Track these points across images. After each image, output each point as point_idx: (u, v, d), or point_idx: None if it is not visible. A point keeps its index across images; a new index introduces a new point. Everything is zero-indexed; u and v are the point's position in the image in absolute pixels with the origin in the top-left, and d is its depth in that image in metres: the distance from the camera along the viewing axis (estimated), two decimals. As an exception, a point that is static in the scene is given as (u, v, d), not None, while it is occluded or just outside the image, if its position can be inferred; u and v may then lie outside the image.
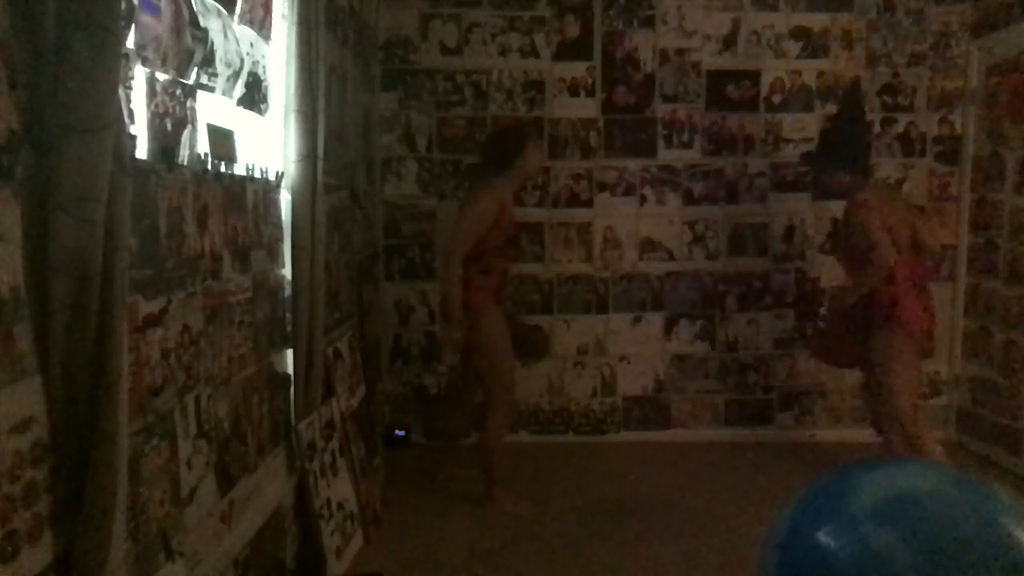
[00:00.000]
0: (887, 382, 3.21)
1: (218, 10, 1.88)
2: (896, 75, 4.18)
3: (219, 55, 1.88)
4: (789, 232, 4.24)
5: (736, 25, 4.14)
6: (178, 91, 1.67)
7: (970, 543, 0.70)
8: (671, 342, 4.29)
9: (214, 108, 1.90)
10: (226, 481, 1.94)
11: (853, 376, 3.74)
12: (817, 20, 4.14)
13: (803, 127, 4.16)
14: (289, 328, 2.46)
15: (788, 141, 4.17)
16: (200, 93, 1.79)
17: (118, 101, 1.21)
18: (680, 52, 4.15)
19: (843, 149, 3.31)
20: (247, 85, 2.11)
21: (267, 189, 2.30)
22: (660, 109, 4.17)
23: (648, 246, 4.24)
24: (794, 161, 4.05)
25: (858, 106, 3.46)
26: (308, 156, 2.40)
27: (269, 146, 2.35)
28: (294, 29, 2.31)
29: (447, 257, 3.17)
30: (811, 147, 3.81)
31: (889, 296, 3.17)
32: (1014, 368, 3.75)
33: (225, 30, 1.92)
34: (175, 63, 1.65)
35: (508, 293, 3.34)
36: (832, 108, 3.96)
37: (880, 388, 3.26)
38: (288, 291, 2.45)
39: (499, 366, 3.23)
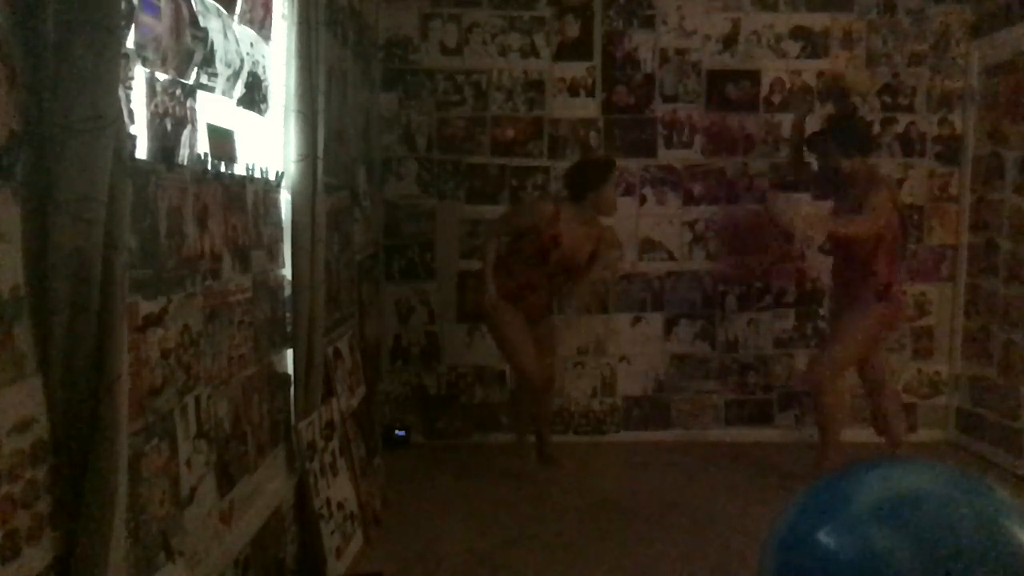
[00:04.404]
0: (840, 349, 3.47)
1: (218, 10, 1.88)
2: (896, 75, 4.18)
3: (219, 55, 1.88)
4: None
5: (736, 25, 4.14)
6: (178, 91, 1.67)
7: (970, 542, 0.70)
8: (671, 342, 4.28)
9: (214, 108, 1.90)
10: (226, 481, 1.94)
11: (852, 377, 3.74)
12: (817, 20, 4.14)
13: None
14: (289, 328, 2.46)
15: (788, 141, 4.16)
16: (200, 93, 1.79)
17: (118, 101, 1.21)
18: (680, 52, 4.14)
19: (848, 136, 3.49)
20: (247, 85, 2.11)
21: (267, 189, 2.30)
22: (660, 109, 4.17)
23: (648, 246, 4.24)
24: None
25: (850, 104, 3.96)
26: (308, 156, 2.40)
27: (269, 146, 2.35)
28: (294, 29, 2.31)
29: (483, 239, 3.68)
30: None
31: (885, 278, 3.41)
32: (1014, 368, 3.75)
33: (225, 30, 1.92)
34: (175, 63, 1.65)
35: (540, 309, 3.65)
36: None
37: (828, 353, 3.52)
38: (288, 291, 2.45)
39: (510, 357, 3.63)
